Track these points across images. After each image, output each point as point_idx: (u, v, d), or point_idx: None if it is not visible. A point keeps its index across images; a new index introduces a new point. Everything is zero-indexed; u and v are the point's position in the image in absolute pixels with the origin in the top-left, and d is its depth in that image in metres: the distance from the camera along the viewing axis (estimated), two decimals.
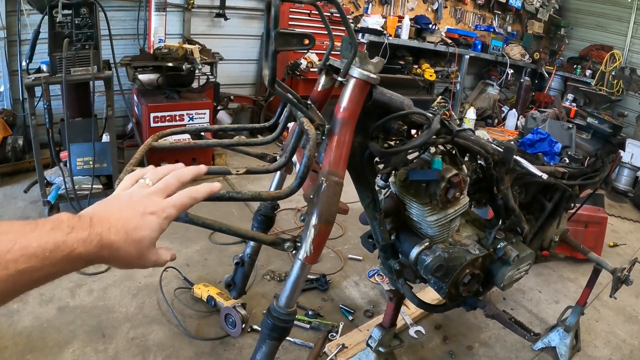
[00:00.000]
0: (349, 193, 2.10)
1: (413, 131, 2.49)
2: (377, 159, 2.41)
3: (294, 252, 2.05)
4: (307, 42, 1.88)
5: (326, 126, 2.05)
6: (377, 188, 2.51)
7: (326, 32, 2.14)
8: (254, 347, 3.43)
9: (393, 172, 2.52)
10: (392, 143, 2.40)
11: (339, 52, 2.23)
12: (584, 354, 3.83)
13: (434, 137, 2.30)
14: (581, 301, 3.59)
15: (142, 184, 1.17)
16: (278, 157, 2.74)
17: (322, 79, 2.39)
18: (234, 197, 1.79)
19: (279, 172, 2.96)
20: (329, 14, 7.97)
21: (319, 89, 2.41)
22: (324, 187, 1.98)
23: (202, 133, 2.87)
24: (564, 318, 3.66)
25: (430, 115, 2.37)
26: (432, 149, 2.50)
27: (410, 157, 2.49)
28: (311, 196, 2.03)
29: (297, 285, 2.12)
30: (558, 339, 3.66)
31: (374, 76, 2.07)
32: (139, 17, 7.23)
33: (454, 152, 2.55)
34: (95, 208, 1.08)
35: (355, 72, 2.05)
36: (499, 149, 2.67)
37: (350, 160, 2.13)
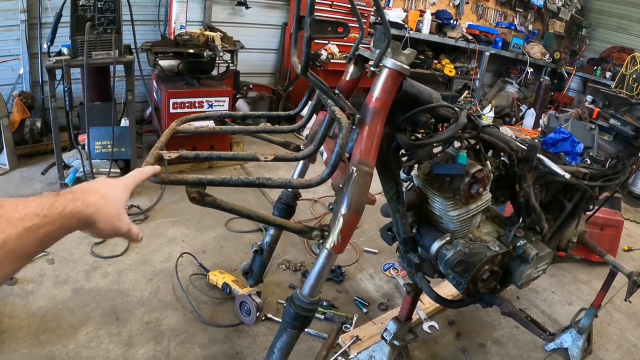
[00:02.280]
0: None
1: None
2: (402, 151, 2.40)
3: (321, 241, 2.05)
4: (341, 30, 1.87)
5: (357, 116, 2.04)
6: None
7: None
8: (268, 335, 3.50)
9: (416, 165, 2.52)
10: (419, 136, 2.39)
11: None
12: (595, 356, 3.81)
13: (460, 131, 2.29)
14: (595, 303, 3.58)
15: None
16: (301, 147, 2.74)
17: (351, 69, 2.38)
18: (264, 183, 1.80)
19: (302, 161, 2.96)
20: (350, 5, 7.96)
21: (347, 79, 2.40)
22: (354, 176, 1.97)
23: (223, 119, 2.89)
24: (577, 320, 3.65)
25: (458, 109, 2.36)
26: (457, 144, 2.49)
27: (434, 150, 2.47)
28: (340, 185, 2.02)
29: (322, 275, 2.12)
30: (571, 340, 3.65)
31: (407, 67, 2.06)
32: (160, 3, 7.23)
33: (478, 147, 2.54)
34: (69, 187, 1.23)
35: (389, 62, 2.04)
36: (523, 146, 2.66)
37: None
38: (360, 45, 2.28)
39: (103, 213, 1.20)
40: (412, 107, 2.24)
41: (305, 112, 2.77)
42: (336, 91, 2.20)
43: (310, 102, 2.68)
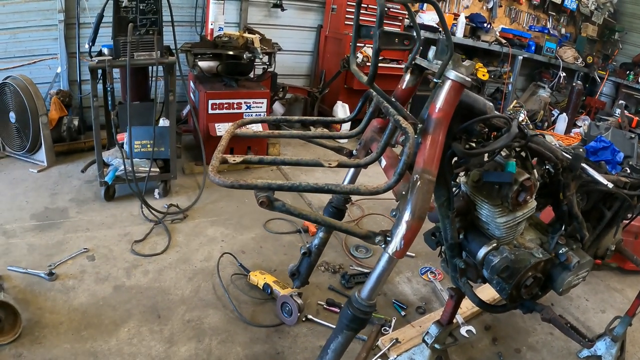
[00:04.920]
0: None
1: None
2: (455, 158, 2.44)
3: (383, 245, 2.09)
4: (407, 43, 1.92)
5: (419, 125, 2.08)
6: None
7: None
8: (309, 336, 3.54)
9: (464, 172, 2.56)
10: (473, 144, 2.43)
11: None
12: None
13: (510, 140, 2.33)
14: (630, 312, 3.55)
15: None
16: (354, 152, 2.78)
17: (407, 77, 2.42)
18: (333, 189, 1.85)
19: (353, 168, 3.01)
20: (387, 8, 7.96)
21: (403, 87, 2.44)
22: (418, 184, 2.02)
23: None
24: (611, 327, 3.63)
25: (509, 119, 2.39)
26: (504, 152, 2.52)
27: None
28: (403, 192, 2.07)
29: (382, 279, 2.17)
30: (604, 348, 3.63)
31: (468, 79, 2.10)
32: (196, 4, 7.33)
33: (524, 155, 2.57)
34: None
35: (452, 74, 2.08)
36: (568, 155, 2.69)
37: None
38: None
39: None
40: (467, 116, 2.29)
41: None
42: (392, 99, 2.24)
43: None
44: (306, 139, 2.62)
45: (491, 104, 2.35)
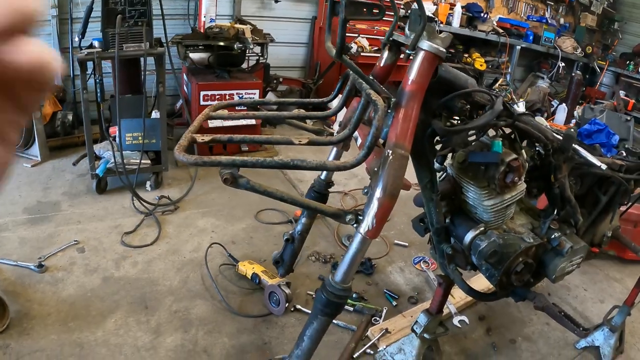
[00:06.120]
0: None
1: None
2: (437, 138, 2.37)
3: (355, 225, 2.03)
4: (376, 11, 1.85)
5: (392, 99, 2.02)
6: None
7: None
8: (297, 326, 3.50)
9: (450, 154, 2.49)
10: (455, 122, 2.36)
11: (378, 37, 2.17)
12: (626, 356, 3.71)
13: (495, 119, 2.26)
14: (629, 301, 3.49)
15: None
16: (335, 133, 2.72)
17: (385, 54, 2.36)
18: (299, 165, 1.79)
19: (335, 148, 2.96)
20: None
21: (382, 65, 2.38)
22: (390, 159, 1.95)
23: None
24: (609, 317, 3.57)
25: (493, 96, 2.32)
26: (491, 133, 2.46)
27: (469, 139, 2.44)
28: (375, 169, 2.01)
29: (355, 260, 2.10)
30: (602, 338, 3.57)
31: (443, 50, 2.03)
32: None
33: (513, 136, 2.50)
34: None
35: (425, 44, 2.01)
36: (559, 136, 2.61)
37: None
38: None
39: None
40: (448, 93, 2.21)
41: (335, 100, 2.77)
42: (370, 77, 2.18)
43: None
44: (282, 119, 2.57)
45: (473, 80, 2.28)
